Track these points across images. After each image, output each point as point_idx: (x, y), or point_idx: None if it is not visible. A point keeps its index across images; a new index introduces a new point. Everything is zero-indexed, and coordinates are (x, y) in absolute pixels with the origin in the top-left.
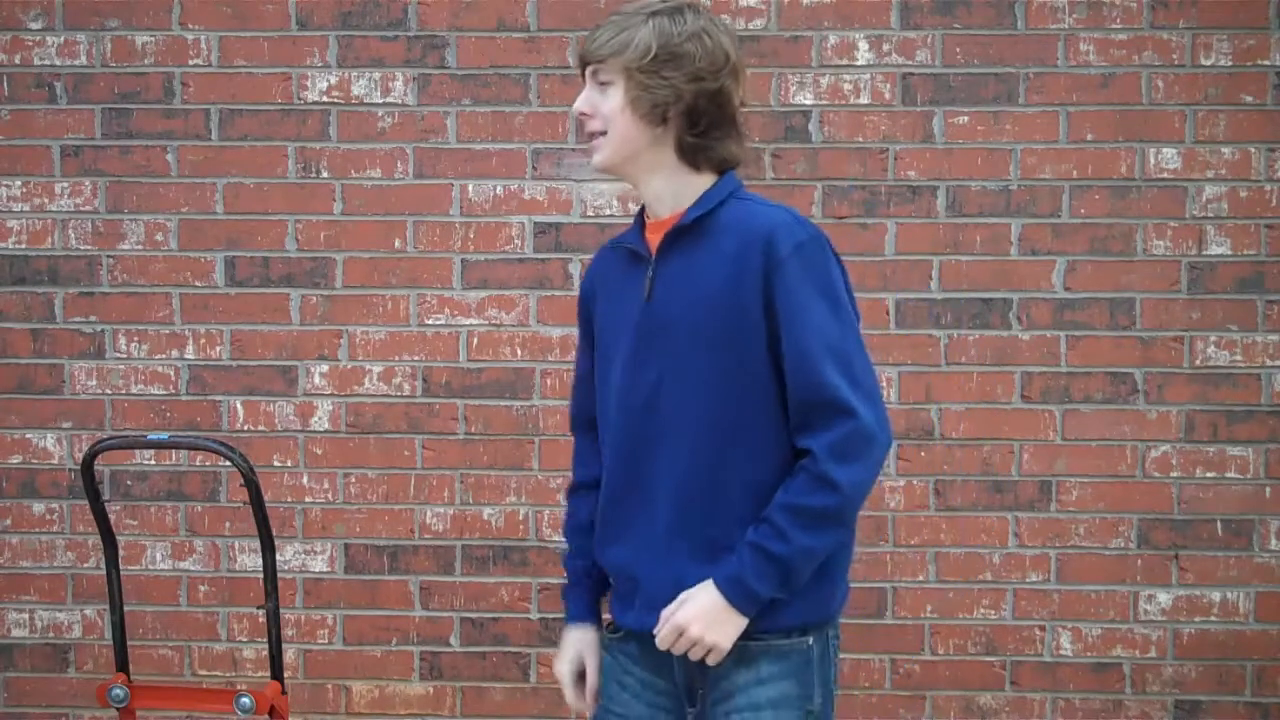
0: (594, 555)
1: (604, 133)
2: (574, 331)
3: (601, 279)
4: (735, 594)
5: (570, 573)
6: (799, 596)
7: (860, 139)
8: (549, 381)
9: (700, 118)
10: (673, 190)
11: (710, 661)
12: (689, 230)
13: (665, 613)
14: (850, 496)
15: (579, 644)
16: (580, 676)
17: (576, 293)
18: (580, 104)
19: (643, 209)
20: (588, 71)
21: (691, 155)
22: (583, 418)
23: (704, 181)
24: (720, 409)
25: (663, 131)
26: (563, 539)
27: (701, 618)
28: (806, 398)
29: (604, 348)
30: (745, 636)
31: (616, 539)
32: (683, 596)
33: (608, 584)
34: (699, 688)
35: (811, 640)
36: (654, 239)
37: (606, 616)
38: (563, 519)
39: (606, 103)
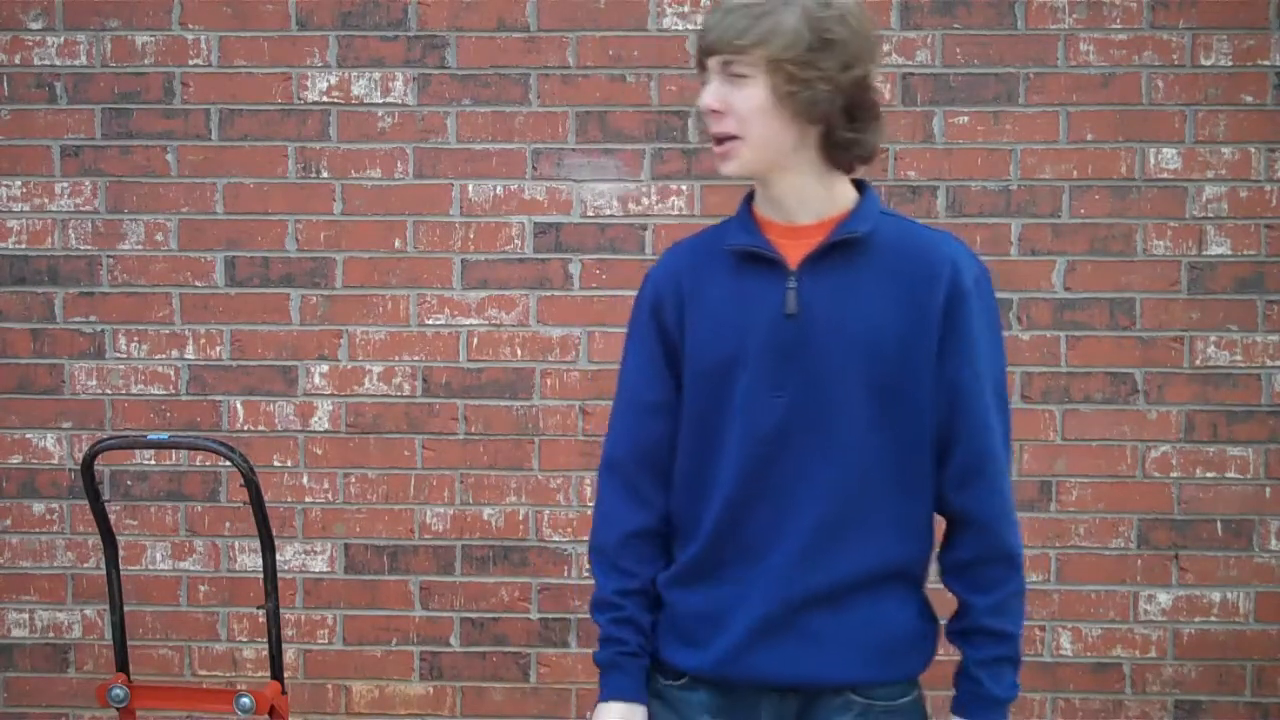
0: (650, 616)
1: (735, 136)
2: (573, 331)
3: (692, 286)
4: (1000, 714)
5: (629, 641)
6: (924, 639)
7: None
8: (549, 382)
9: (855, 110)
10: (818, 194)
11: None
12: (847, 243)
13: None
14: (1022, 557)
15: None
16: None
17: (576, 293)
18: (710, 99)
19: (749, 204)
20: (715, 62)
21: (841, 153)
22: (651, 453)
23: (844, 187)
24: (872, 437)
25: (808, 129)
26: (608, 600)
27: None
28: (980, 458)
29: (710, 365)
30: (865, 695)
31: (710, 579)
32: None
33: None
34: None
35: (919, 690)
36: (789, 244)
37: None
38: (606, 576)
39: (743, 100)
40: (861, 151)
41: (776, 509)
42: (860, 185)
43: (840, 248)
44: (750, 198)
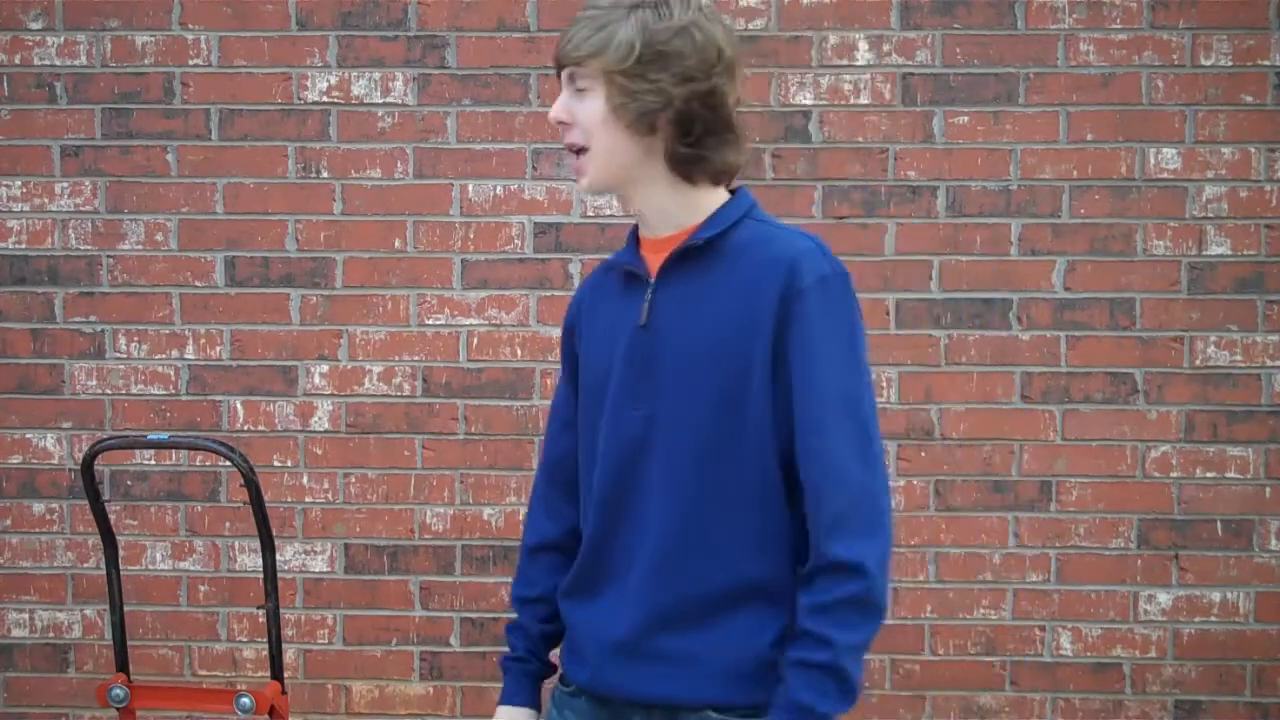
0: (545, 625)
1: (585, 148)
2: None
3: (590, 306)
4: None
5: (517, 647)
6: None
7: (860, 139)
8: (549, 382)
9: (692, 124)
10: (673, 206)
11: None
12: (698, 251)
13: None
14: (875, 573)
15: None
16: None
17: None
18: (557, 110)
19: (637, 225)
20: (564, 75)
21: (684, 166)
22: (559, 468)
23: (709, 196)
24: (718, 451)
25: (652, 141)
26: (511, 605)
27: None
28: (813, 464)
29: (592, 381)
30: (724, 714)
31: (587, 593)
32: None
33: (550, 666)
34: None
35: None
36: (653, 259)
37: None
38: (513, 583)
39: (585, 112)
40: (708, 167)
41: (635, 526)
42: (735, 191)
43: (691, 257)
44: None
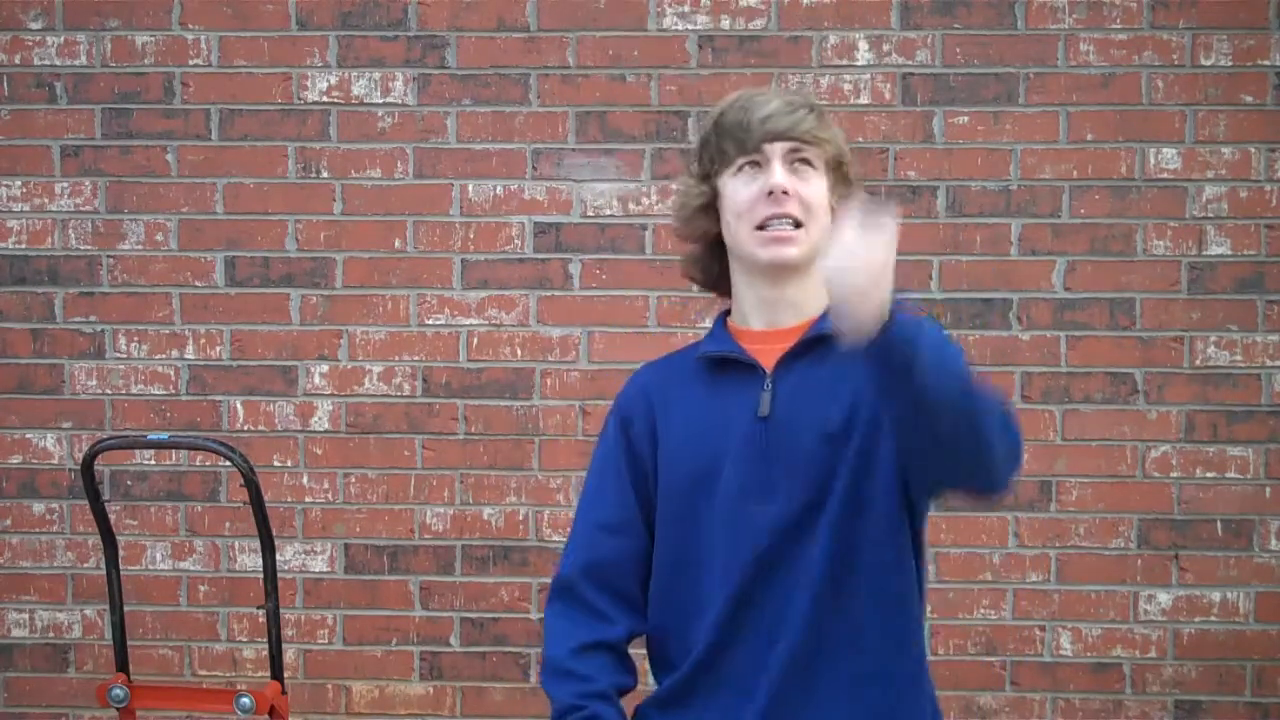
0: (620, 713)
1: (801, 223)
2: (573, 331)
3: (662, 401)
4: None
5: None
6: None
7: (860, 139)
8: (549, 381)
9: None
10: (811, 297)
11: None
12: (818, 343)
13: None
14: (999, 404)
15: None
16: None
17: (576, 293)
18: (785, 181)
19: (723, 318)
20: (782, 149)
21: None
22: (606, 574)
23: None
24: (858, 532)
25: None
26: (568, 704)
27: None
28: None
29: (687, 479)
30: None
31: (704, 704)
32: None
33: None
34: None
35: None
36: (761, 349)
37: None
38: (560, 686)
39: (812, 191)
40: None
41: (766, 625)
42: None
43: (814, 346)
44: (725, 314)
